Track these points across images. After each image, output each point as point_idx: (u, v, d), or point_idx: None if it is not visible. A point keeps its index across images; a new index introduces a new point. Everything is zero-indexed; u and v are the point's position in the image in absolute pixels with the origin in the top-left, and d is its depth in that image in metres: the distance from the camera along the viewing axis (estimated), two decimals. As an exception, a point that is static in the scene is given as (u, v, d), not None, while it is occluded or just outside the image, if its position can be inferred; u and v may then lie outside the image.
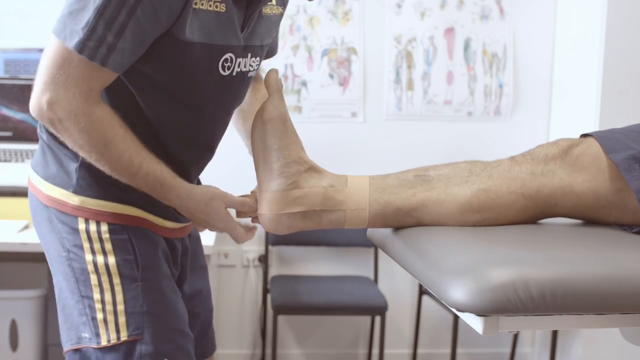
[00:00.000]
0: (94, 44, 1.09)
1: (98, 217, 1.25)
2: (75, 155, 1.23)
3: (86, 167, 1.23)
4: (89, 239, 1.24)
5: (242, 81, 1.31)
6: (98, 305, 1.22)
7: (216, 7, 1.19)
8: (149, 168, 1.20)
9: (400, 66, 3.16)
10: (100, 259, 1.23)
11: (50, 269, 1.31)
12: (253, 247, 3.19)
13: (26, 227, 2.38)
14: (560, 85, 3.16)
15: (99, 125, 1.15)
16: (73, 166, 1.25)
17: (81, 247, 1.24)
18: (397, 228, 1.22)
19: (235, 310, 3.21)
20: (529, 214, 1.18)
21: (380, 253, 3.16)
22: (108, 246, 1.24)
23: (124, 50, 1.12)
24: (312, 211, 1.19)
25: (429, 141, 3.19)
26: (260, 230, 3.16)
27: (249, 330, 3.23)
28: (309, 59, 3.11)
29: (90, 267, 1.23)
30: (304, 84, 3.11)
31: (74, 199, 1.25)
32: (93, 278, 1.23)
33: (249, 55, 1.30)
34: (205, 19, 1.18)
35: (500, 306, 0.91)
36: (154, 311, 1.24)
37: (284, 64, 3.09)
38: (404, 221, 1.19)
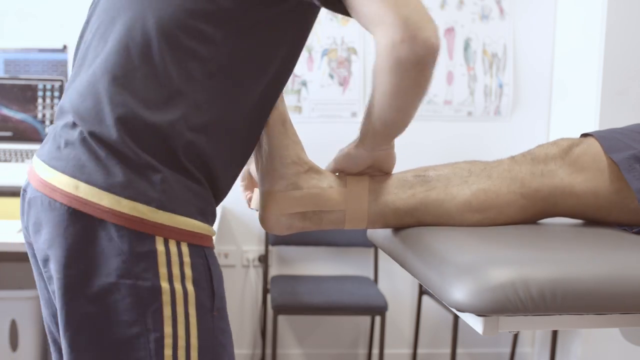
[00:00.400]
0: None
1: (181, 236, 1.05)
2: (159, 162, 1.03)
3: (173, 178, 1.04)
4: (168, 262, 1.04)
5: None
6: (168, 340, 1.04)
7: None
8: None
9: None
10: (178, 287, 1.04)
11: (71, 299, 1.03)
12: (253, 247, 3.19)
13: (26, 227, 2.38)
14: (560, 85, 3.15)
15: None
16: (156, 177, 1.02)
17: (156, 273, 1.02)
18: (397, 228, 1.22)
19: (235, 310, 3.21)
20: (528, 213, 1.18)
21: (380, 253, 3.16)
22: (188, 272, 1.05)
23: None
24: (311, 212, 1.19)
25: (429, 141, 3.19)
26: (260, 230, 3.16)
27: (249, 330, 3.23)
28: (309, 59, 3.11)
29: (166, 298, 1.03)
30: (304, 84, 3.11)
31: (155, 216, 1.02)
32: (166, 309, 1.03)
33: None
34: None
35: (500, 306, 0.91)
36: (224, 343, 1.11)
37: (284, 64, 3.09)
38: (404, 221, 1.19)
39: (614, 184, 1.14)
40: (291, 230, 1.21)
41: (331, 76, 3.12)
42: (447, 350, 3.20)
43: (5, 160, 2.74)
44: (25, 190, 1.12)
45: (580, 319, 0.98)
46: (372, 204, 1.18)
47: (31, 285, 2.81)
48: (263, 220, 1.21)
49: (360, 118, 3.32)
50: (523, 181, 1.16)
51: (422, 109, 3.17)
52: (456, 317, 2.85)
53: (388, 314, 3.02)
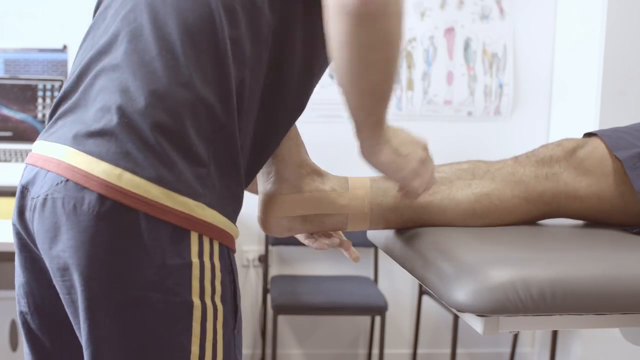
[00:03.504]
0: None
1: (220, 236, 0.97)
2: (206, 156, 0.93)
3: (217, 173, 0.95)
4: (201, 276, 0.94)
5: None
6: None
7: None
8: None
9: (400, 66, 3.16)
10: (209, 303, 0.95)
11: (98, 312, 0.92)
12: (253, 247, 3.19)
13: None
14: (561, 85, 3.15)
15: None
16: (203, 171, 0.93)
17: (188, 288, 0.93)
18: (398, 229, 1.22)
19: (235, 310, 3.20)
20: (530, 216, 1.18)
21: (380, 253, 3.16)
22: (218, 287, 0.96)
23: None
24: (313, 215, 1.17)
25: (429, 141, 3.17)
26: (260, 230, 3.15)
27: (249, 330, 3.23)
28: (309, 59, 3.10)
29: (197, 314, 0.94)
30: (304, 84, 3.10)
31: (202, 212, 0.93)
32: (196, 327, 0.94)
33: None
34: None
35: (500, 306, 0.91)
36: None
37: (284, 64, 3.09)
38: (406, 224, 1.18)
39: (619, 187, 1.14)
40: (292, 233, 1.20)
41: (331, 76, 3.12)
42: (447, 350, 3.20)
43: (5, 160, 2.74)
44: (27, 188, 0.97)
45: (581, 319, 0.97)
46: (375, 207, 1.17)
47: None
48: (263, 222, 1.19)
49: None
50: (527, 185, 1.15)
51: (422, 108, 3.18)
52: (456, 317, 2.85)
53: (388, 314, 3.01)
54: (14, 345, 2.71)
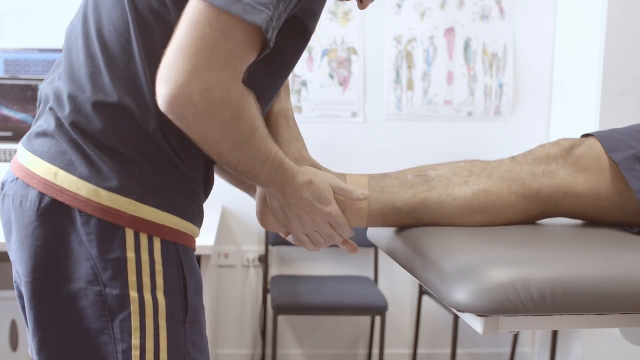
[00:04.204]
0: (275, 22, 0.93)
1: (159, 232, 1.01)
2: (137, 155, 0.99)
3: (152, 170, 1.00)
4: (138, 270, 0.99)
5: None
6: (135, 352, 1.00)
7: None
8: (276, 151, 1.04)
9: (400, 66, 3.16)
10: (148, 297, 1.00)
11: (40, 303, 1.00)
12: (253, 247, 3.19)
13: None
14: (561, 85, 3.15)
15: (249, 111, 0.96)
16: (134, 169, 0.99)
17: (125, 282, 0.99)
18: (397, 228, 1.22)
19: (235, 310, 3.21)
20: (529, 214, 1.18)
21: (380, 253, 3.16)
22: (159, 281, 1.01)
23: (279, 24, 0.96)
24: None
25: (429, 141, 3.18)
26: (260, 230, 3.16)
27: (249, 331, 3.23)
28: (309, 59, 3.11)
29: (134, 307, 0.99)
30: (304, 83, 3.11)
31: (134, 208, 0.98)
32: (135, 320, 0.99)
33: None
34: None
35: (500, 306, 0.91)
36: (195, 357, 1.06)
37: (284, 64, 3.08)
38: (404, 221, 1.18)
39: (616, 184, 1.14)
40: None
41: (331, 76, 3.12)
42: (447, 351, 3.20)
43: (5, 160, 2.74)
44: (3, 184, 1.07)
45: (581, 319, 0.97)
46: (372, 203, 1.17)
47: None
48: (261, 216, 1.19)
49: (359, 118, 3.29)
50: (524, 182, 1.16)
51: (422, 108, 3.18)
52: (456, 317, 2.85)
53: (388, 314, 3.01)
54: (14, 345, 2.70)
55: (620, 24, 2.73)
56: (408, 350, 3.27)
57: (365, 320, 3.24)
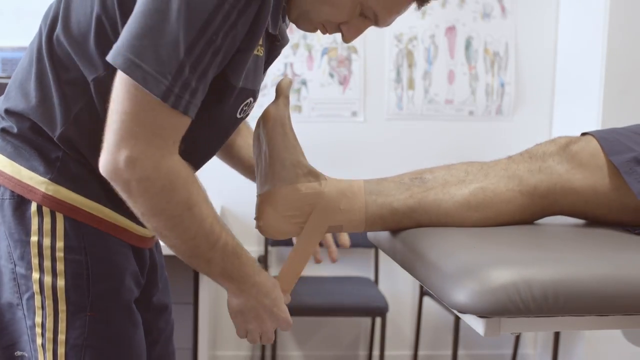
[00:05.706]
0: (179, 90, 0.95)
1: (72, 213, 1.08)
2: (51, 144, 1.08)
3: (70, 158, 1.09)
4: (40, 255, 1.08)
5: (239, 123, 1.24)
6: (38, 330, 1.09)
7: (258, 50, 1.10)
8: (227, 237, 1.07)
9: (401, 65, 3.15)
10: (48, 279, 1.08)
11: None
12: (253, 248, 3.18)
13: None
14: (563, 84, 3.14)
15: (183, 183, 1.00)
16: (54, 154, 1.08)
17: (29, 263, 1.08)
18: (397, 230, 1.21)
19: (235, 311, 3.20)
20: (528, 211, 1.18)
21: (381, 254, 3.15)
22: (60, 266, 1.08)
23: (199, 94, 0.99)
24: (308, 215, 1.17)
25: (430, 141, 3.18)
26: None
27: (248, 332, 3.22)
28: (309, 58, 3.10)
29: (36, 287, 1.08)
30: (304, 83, 3.10)
31: (48, 187, 1.07)
32: (37, 299, 1.08)
33: (256, 98, 1.21)
34: (250, 62, 1.09)
35: (501, 307, 0.90)
36: (99, 346, 1.11)
37: (284, 63, 3.08)
38: (402, 223, 1.18)
39: (613, 181, 1.14)
40: (287, 236, 1.20)
41: (331, 75, 3.11)
42: (448, 352, 3.19)
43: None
44: None
45: (583, 320, 0.97)
46: (370, 207, 1.17)
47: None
48: (259, 223, 1.20)
49: (360, 117, 3.28)
50: (521, 178, 1.16)
51: (423, 107, 3.17)
52: (457, 319, 2.84)
53: (389, 315, 3.00)
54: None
55: (623, 22, 2.72)
56: (409, 352, 3.27)
57: (366, 321, 3.24)
